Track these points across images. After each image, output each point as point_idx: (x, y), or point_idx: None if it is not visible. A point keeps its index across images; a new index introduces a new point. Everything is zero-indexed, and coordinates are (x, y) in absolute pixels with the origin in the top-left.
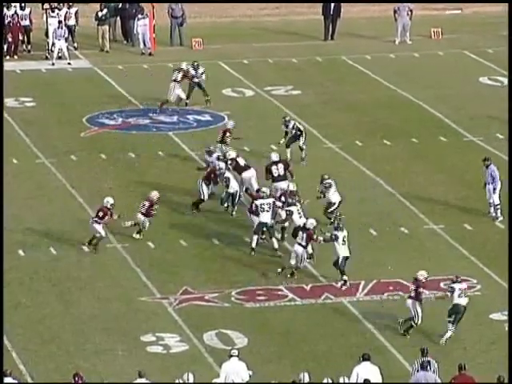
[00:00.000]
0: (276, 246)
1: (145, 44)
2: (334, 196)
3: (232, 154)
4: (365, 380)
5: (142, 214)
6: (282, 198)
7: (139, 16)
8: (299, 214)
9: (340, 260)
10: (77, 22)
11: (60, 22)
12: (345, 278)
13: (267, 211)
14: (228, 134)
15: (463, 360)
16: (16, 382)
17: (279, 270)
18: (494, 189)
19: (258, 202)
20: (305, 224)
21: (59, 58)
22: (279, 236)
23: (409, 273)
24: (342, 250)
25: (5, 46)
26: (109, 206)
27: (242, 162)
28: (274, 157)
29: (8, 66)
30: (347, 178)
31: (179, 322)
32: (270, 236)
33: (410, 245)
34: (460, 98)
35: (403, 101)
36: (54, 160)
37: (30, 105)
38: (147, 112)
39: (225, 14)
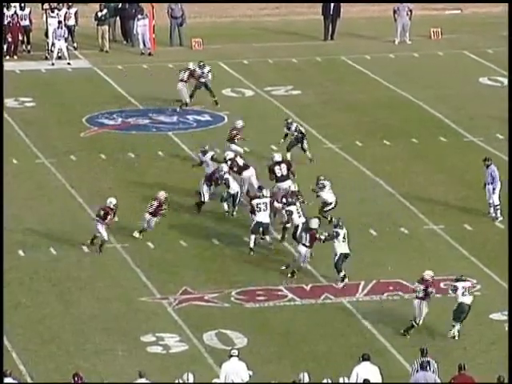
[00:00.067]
0: (269, 240)
1: (144, 44)
2: (328, 196)
3: (231, 154)
4: (364, 380)
5: (150, 213)
6: (284, 200)
7: (139, 16)
8: (298, 213)
9: (337, 257)
10: (76, 22)
11: (60, 22)
12: (341, 274)
13: (264, 210)
14: (235, 132)
15: (463, 360)
16: (16, 382)
17: (283, 267)
18: (494, 189)
19: (254, 202)
20: (308, 224)
21: (59, 58)
22: (279, 236)
23: (409, 273)
24: (342, 247)
25: (4, 46)
26: (112, 207)
27: (240, 161)
28: (277, 157)
29: (8, 66)
30: (347, 179)
31: (179, 322)
32: (264, 234)
33: (410, 245)
34: (460, 99)
35: (403, 101)
36: (54, 160)
37: (30, 105)
38: (147, 112)
39: (225, 14)
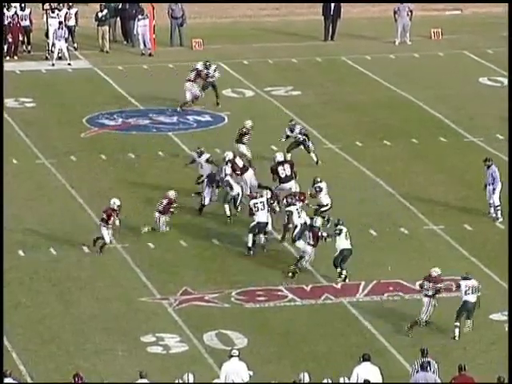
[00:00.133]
0: (263, 241)
1: (145, 44)
2: (324, 199)
3: (230, 155)
4: (365, 380)
5: (159, 211)
6: (285, 201)
7: (139, 16)
8: (298, 214)
9: (338, 252)
10: (76, 22)
11: (60, 22)
12: (338, 270)
13: (261, 209)
14: (245, 131)
15: (463, 360)
16: (16, 382)
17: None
18: (494, 189)
19: (251, 202)
20: (311, 223)
21: (59, 58)
22: (279, 236)
23: (409, 273)
24: (344, 243)
25: (5, 47)
26: (115, 208)
27: (240, 163)
28: (279, 157)
29: (8, 66)
30: (347, 179)
31: (179, 323)
32: (259, 232)
33: (410, 245)
34: (460, 99)
35: (403, 101)
36: (54, 160)
37: (30, 105)
38: (147, 112)
39: (225, 14)
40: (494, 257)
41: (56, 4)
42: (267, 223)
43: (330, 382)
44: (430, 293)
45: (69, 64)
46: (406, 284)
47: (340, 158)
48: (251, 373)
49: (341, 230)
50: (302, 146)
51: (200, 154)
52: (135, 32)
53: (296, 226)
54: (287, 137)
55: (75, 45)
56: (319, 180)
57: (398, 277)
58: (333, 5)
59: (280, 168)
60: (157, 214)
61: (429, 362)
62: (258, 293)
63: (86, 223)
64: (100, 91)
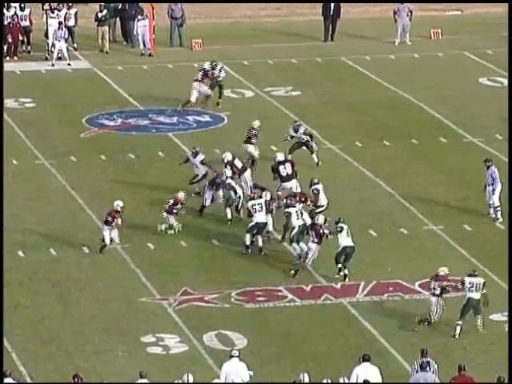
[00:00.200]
0: (260, 244)
1: (144, 45)
2: (323, 199)
3: (229, 156)
4: (364, 381)
5: (166, 211)
6: (284, 201)
7: (139, 17)
8: (297, 215)
9: (340, 249)
10: (76, 22)
11: (60, 23)
12: (339, 266)
13: (259, 211)
14: (254, 132)
15: (463, 360)
16: (16, 382)
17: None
18: (494, 190)
19: (249, 204)
20: (313, 221)
21: (59, 58)
22: (279, 237)
23: (408, 274)
24: (346, 241)
25: (4, 47)
26: (119, 209)
27: (239, 163)
28: (280, 157)
29: (8, 66)
30: (347, 179)
31: (179, 323)
32: (257, 233)
33: (410, 245)
34: (460, 99)
35: (403, 101)
36: (54, 161)
37: (30, 106)
38: (147, 113)
39: (225, 14)
40: (493, 257)
41: (56, 4)
42: (266, 223)
43: (329, 382)
44: (437, 292)
45: (68, 64)
46: (406, 284)
47: (340, 159)
48: (251, 373)
49: (342, 228)
50: (304, 147)
51: (195, 155)
52: (135, 32)
53: (294, 228)
54: (292, 137)
55: (75, 45)
56: (316, 182)
57: (397, 277)
58: (332, 5)
59: (281, 167)
60: (165, 214)
61: (428, 362)
62: (258, 293)
63: (85, 223)
64: (100, 91)
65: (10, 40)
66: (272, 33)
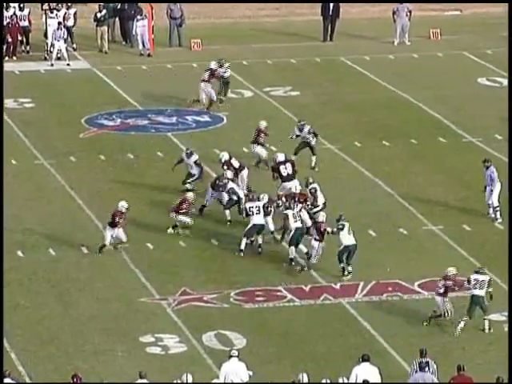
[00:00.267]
0: (260, 241)
1: (144, 45)
2: (320, 198)
3: (226, 156)
4: (364, 381)
5: (174, 210)
6: (283, 199)
7: (138, 17)
8: (294, 218)
9: (342, 248)
10: (75, 22)
11: (60, 23)
12: (342, 265)
13: (257, 214)
14: (261, 133)
15: (462, 361)
16: (15, 382)
17: (301, 268)
18: (492, 190)
19: (247, 205)
20: (315, 219)
21: (58, 58)
22: (279, 237)
23: (408, 274)
24: (347, 239)
25: (4, 47)
26: (123, 211)
27: (236, 163)
28: (280, 157)
29: (7, 66)
30: (346, 179)
31: (178, 323)
32: (257, 234)
33: (409, 246)
34: (459, 99)
35: (402, 101)
36: (53, 161)
37: (29, 106)
38: (146, 113)
39: (224, 14)
40: (492, 257)
41: (55, 4)
42: (263, 225)
43: (328, 382)
44: (441, 291)
45: (68, 64)
46: (405, 284)
47: (339, 159)
48: (251, 373)
49: (343, 225)
50: (309, 148)
51: (189, 155)
52: (134, 32)
53: (291, 230)
54: (297, 136)
55: (74, 45)
56: (311, 181)
57: (396, 277)
58: (332, 5)
59: (282, 167)
60: (173, 214)
61: (428, 362)
62: (257, 293)
63: (85, 224)
64: (99, 91)
65: (10, 39)
66: (271, 33)
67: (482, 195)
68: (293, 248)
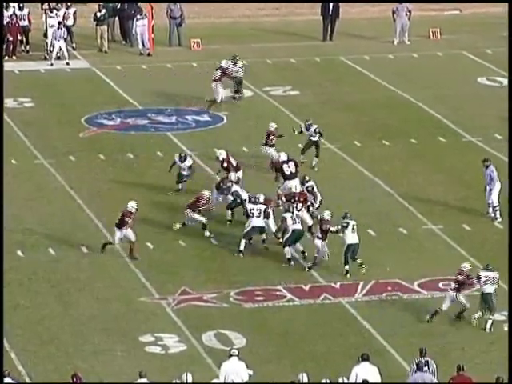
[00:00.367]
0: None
1: (143, 44)
2: (318, 196)
3: (223, 153)
4: (363, 380)
5: (189, 207)
6: (283, 199)
7: (138, 16)
8: (293, 220)
9: (345, 248)
10: (74, 22)
11: (60, 22)
12: (346, 267)
13: (257, 216)
14: (272, 136)
15: (462, 360)
16: (15, 382)
17: (308, 266)
18: (491, 190)
19: (248, 206)
20: (322, 217)
21: (58, 58)
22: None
23: (407, 273)
24: (350, 238)
25: (3, 47)
26: (133, 211)
27: (234, 161)
28: (283, 156)
29: (7, 66)
30: (346, 179)
31: (178, 323)
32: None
33: (409, 245)
34: (459, 99)
35: (402, 101)
36: (53, 161)
37: (29, 105)
38: (146, 112)
39: (224, 14)
40: (492, 257)
41: (54, 4)
42: (263, 227)
43: (328, 382)
44: (455, 286)
45: (67, 63)
46: (405, 284)
47: (338, 158)
48: (251, 372)
49: (347, 223)
50: (314, 147)
51: (183, 159)
52: (134, 32)
53: (288, 232)
54: (301, 132)
55: (74, 45)
56: (308, 179)
57: (396, 276)
58: (331, 5)
59: (285, 166)
60: (187, 210)
61: (427, 362)
62: (257, 293)
63: (85, 223)
64: (99, 91)
65: (10, 38)
66: (271, 32)
67: (481, 195)
68: (287, 249)
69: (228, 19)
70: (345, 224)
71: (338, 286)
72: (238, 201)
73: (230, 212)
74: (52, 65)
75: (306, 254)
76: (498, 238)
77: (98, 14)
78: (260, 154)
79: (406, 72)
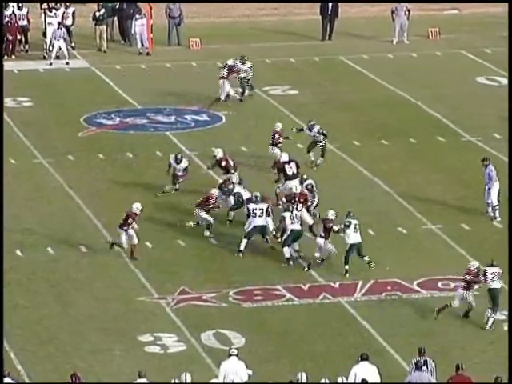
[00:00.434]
0: (269, 236)
1: (142, 44)
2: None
3: (220, 152)
4: (362, 380)
5: (197, 205)
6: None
7: (137, 16)
8: (292, 220)
9: (348, 248)
10: (73, 21)
11: (59, 22)
12: (346, 267)
13: (259, 216)
14: (277, 135)
15: (461, 360)
16: (14, 382)
17: (306, 266)
18: (489, 189)
19: (250, 207)
20: (326, 216)
21: (57, 57)
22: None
23: (406, 273)
24: (352, 238)
25: (3, 46)
26: (138, 212)
27: (231, 161)
28: (285, 156)
29: (6, 65)
30: (345, 178)
31: (177, 322)
32: (263, 236)
33: (408, 245)
34: (457, 98)
35: (401, 100)
36: (52, 160)
37: (28, 105)
38: (145, 112)
39: (223, 14)
40: (491, 256)
41: (54, 3)
42: (265, 226)
43: (327, 381)
44: (464, 284)
45: (67, 63)
46: (404, 283)
47: (337, 158)
48: (250, 372)
49: (350, 223)
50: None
51: (179, 161)
52: (133, 31)
53: (286, 231)
54: (301, 130)
55: (73, 44)
56: (305, 178)
57: (395, 276)
58: (330, 5)
59: (287, 166)
60: (197, 210)
61: (426, 361)
62: (256, 292)
63: (84, 223)
64: (98, 91)
65: (10, 37)
66: (270, 32)
67: (480, 194)
68: (286, 248)
69: (227, 19)
70: (347, 223)
71: (337, 285)
72: (240, 201)
73: (232, 213)
74: (51, 64)
75: (302, 253)
76: (497, 238)
77: (97, 14)
78: (259, 154)
79: (405, 71)
